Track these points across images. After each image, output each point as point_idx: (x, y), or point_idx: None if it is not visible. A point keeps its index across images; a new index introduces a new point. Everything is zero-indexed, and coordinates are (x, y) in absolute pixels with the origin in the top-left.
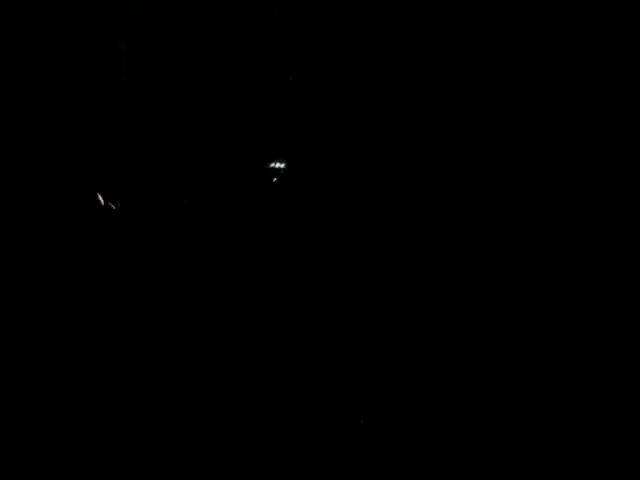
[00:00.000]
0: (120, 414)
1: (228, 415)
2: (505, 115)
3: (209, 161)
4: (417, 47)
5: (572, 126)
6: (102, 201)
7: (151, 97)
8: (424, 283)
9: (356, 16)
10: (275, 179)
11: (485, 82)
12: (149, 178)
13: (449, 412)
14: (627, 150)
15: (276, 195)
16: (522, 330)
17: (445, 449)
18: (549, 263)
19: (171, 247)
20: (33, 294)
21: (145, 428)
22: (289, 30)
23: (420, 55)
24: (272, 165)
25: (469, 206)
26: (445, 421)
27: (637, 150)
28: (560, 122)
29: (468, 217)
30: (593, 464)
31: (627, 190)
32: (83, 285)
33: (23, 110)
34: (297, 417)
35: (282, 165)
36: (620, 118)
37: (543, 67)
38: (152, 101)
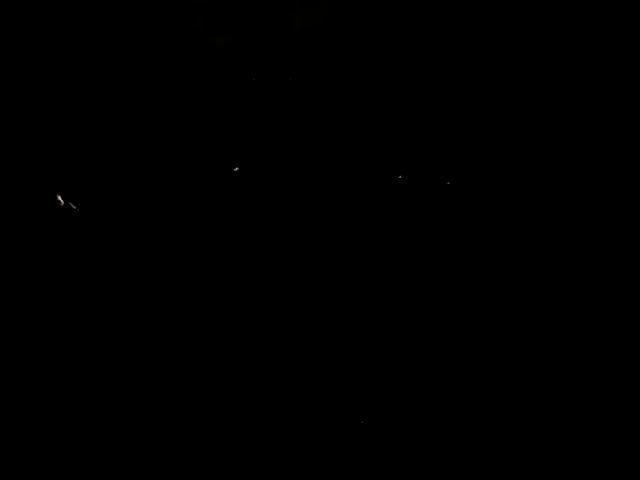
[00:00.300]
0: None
1: (228, 415)
2: (504, 116)
3: (182, 161)
4: (416, 48)
5: (572, 127)
6: (62, 202)
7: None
8: (423, 283)
9: (354, 17)
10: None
11: (484, 84)
12: (114, 178)
13: (449, 412)
14: (627, 150)
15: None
16: (522, 330)
17: (445, 449)
18: (549, 263)
19: (134, 249)
20: None
21: (143, 428)
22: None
23: (419, 57)
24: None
25: (467, 207)
26: (445, 421)
27: (637, 150)
28: (560, 123)
29: (466, 218)
30: (593, 464)
31: (627, 190)
32: (42, 287)
33: None
34: (297, 417)
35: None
36: (620, 118)
37: (543, 67)
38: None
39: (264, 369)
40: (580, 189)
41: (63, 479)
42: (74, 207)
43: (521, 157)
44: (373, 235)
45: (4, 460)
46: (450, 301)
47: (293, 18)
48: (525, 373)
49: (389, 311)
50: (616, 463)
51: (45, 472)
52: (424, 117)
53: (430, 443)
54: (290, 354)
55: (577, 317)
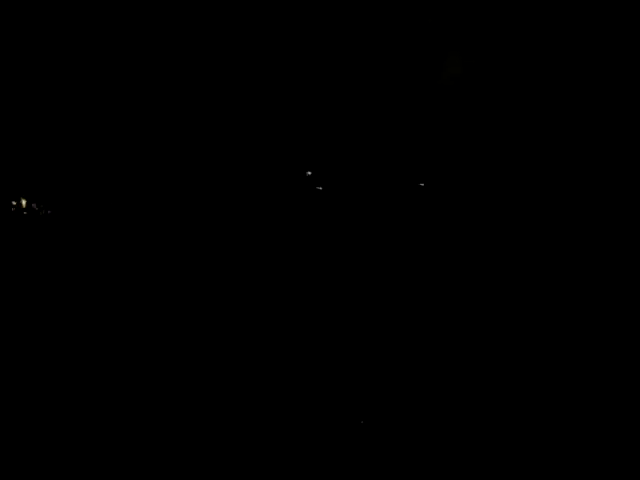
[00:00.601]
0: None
1: (228, 414)
2: (506, 118)
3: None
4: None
5: (572, 128)
6: (24, 204)
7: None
8: (425, 284)
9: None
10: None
11: (486, 85)
12: (78, 180)
13: (448, 412)
14: (627, 151)
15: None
16: (522, 330)
17: (445, 449)
18: (549, 265)
19: (98, 250)
20: None
21: (144, 427)
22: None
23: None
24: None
25: (468, 208)
26: (444, 421)
27: (637, 150)
28: (560, 124)
29: (468, 218)
30: (593, 464)
31: (627, 191)
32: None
33: None
34: (297, 417)
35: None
36: (620, 119)
37: (544, 68)
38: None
39: (265, 370)
40: (579, 191)
41: (63, 479)
42: (36, 208)
43: (521, 160)
44: (373, 238)
45: (4, 460)
46: (450, 302)
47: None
48: (525, 373)
49: (389, 313)
50: (616, 463)
51: (45, 472)
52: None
53: (430, 443)
54: (291, 355)
55: (576, 317)
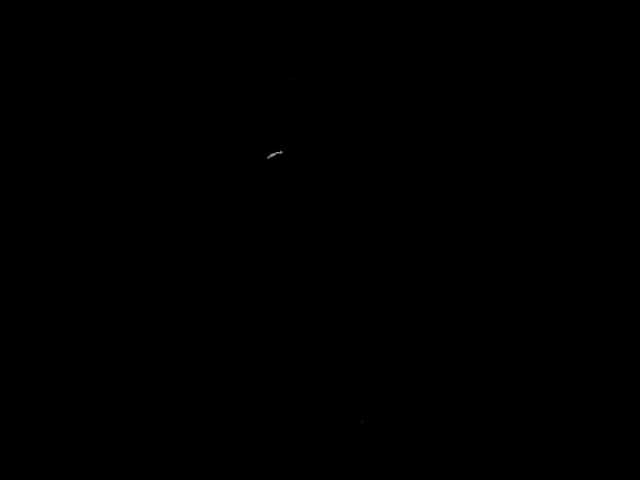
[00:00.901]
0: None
1: (228, 414)
2: (505, 116)
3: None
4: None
5: (571, 127)
6: None
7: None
8: (424, 283)
9: (356, 15)
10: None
11: (484, 83)
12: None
13: (449, 412)
14: (627, 150)
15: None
16: (522, 330)
17: (445, 449)
18: (549, 264)
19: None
20: None
21: (144, 428)
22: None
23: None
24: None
25: (468, 206)
26: (445, 421)
27: (637, 150)
28: (560, 123)
29: (468, 217)
30: (593, 464)
31: (627, 190)
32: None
33: None
34: (297, 417)
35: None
36: (619, 119)
37: (543, 67)
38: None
39: (264, 369)
40: (577, 190)
41: (63, 479)
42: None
43: (518, 158)
44: (372, 236)
45: (4, 460)
46: (449, 301)
47: None
48: (525, 373)
49: (389, 311)
50: (616, 463)
51: (45, 472)
52: (421, 118)
53: (430, 443)
54: (290, 354)
55: (576, 317)
